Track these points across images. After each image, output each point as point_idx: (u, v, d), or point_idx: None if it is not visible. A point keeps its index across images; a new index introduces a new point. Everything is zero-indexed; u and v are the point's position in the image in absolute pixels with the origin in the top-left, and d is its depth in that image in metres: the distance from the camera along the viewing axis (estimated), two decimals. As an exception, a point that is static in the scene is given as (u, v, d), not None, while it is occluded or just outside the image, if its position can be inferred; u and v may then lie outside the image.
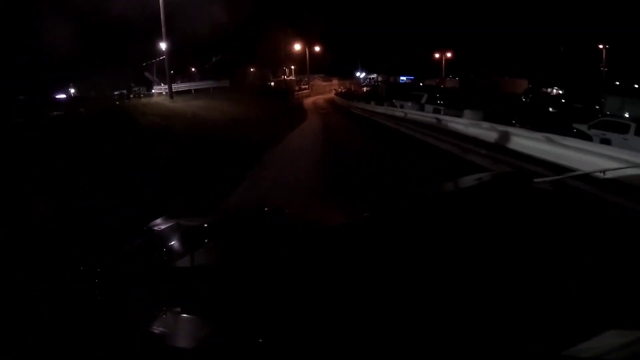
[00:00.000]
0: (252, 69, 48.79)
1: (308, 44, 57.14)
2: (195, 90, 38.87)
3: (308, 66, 58.32)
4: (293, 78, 57.10)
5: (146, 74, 41.31)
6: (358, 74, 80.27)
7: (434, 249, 1.00)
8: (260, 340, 0.72)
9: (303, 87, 58.70)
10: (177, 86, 39.88)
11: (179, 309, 0.83)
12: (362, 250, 1.02)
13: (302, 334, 0.72)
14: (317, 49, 58.14)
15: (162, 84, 40.39)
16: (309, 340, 0.71)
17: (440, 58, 66.87)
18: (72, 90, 34.18)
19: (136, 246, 1.24)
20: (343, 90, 57.60)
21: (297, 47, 56.42)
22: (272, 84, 53.12)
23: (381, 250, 1.01)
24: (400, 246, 1.03)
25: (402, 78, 70.38)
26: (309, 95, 55.81)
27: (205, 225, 1.47)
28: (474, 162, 8.17)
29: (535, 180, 1.47)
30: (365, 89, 63.53)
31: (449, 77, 55.51)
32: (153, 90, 40.03)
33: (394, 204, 1.56)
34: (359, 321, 0.74)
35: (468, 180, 1.58)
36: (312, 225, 1.42)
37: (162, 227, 1.36)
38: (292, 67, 68.43)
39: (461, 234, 1.08)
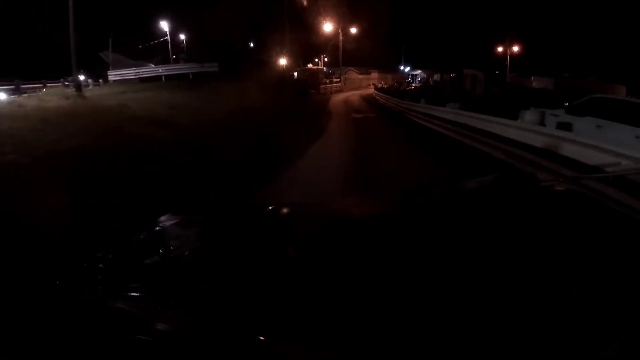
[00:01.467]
0: (277, 56, 35.99)
1: (342, 30, 43.37)
2: (169, 76, 26.31)
3: (341, 55, 44.53)
4: (321, 67, 43.38)
5: (102, 54, 28.67)
6: (402, 67, 65.91)
7: (436, 249, 1.01)
8: (261, 339, 0.73)
9: (335, 80, 45.15)
10: (139, 71, 27.32)
11: (179, 308, 0.82)
12: (366, 250, 1.02)
13: (301, 334, 0.73)
14: (353, 30, 44.19)
15: (156, 65, 27.98)
16: (308, 340, 0.71)
17: (505, 52, 51.74)
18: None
19: (138, 244, 1.23)
20: (385, 86, 43.37)
21: (328, 28, 42.71)
22: (295, 74, 40.06)
23: (385, 250, 1.02)
24: (404, 245, 1.05)
25: (451, 75, 55.22)
26: (340, 90, 42.26)
27: (207, 223, 1.45)
28: None
29: (543, 182, 1.47)
30: (413, 84, 49.17)
31: (533, 77, 39.85)
32: (107, 78, 27.42)
33: (398, 205, 1.56)
34: (356, 322, 0.75)
35: (473, 182, 1.58)
36: (313, 224, 1.39)
37: (165, 224, 1.35)
38: (324, 57, 55.57)
39: (462, 233, 1.09)
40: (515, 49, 51.07)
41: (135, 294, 0.88)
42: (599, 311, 0.76)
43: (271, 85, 24.60)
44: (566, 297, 0.81)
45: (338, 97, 33.69)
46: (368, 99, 30.73)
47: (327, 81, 43.25)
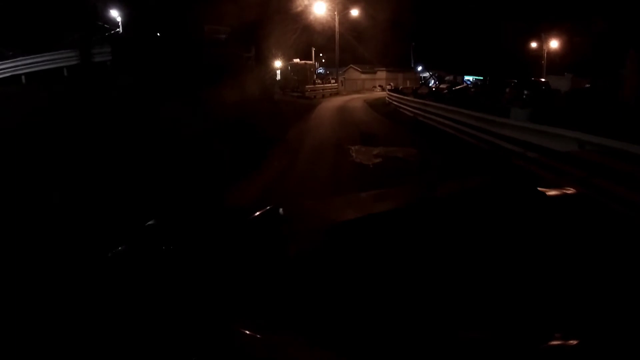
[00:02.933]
0: (261, 50, 25.62)
1: (339, 14, 32.22)
2: (33, 74, 15.13)
3: (337, 44, 33.12)
4: (310, 62, 31.98)
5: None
6: (415, 66, 54.44)
7: (435, 248, 1.02)
8: (261, 337, 0.75)
9: (332, 80, 33.83)
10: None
11: (181, 308, 0.83)
12: (363, 248, 1.03)
13: (306, 334, 0.74)
14: (354, 12, 32.84)
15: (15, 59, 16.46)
16: (313, 340, 0.72)
17: (539, 49, 40.60)
18: None
19: (136, 245, 1.23)
20: (400, 87, 31.66)
21: (322, 9, 31.44)
22: (278, 71, 29.94)
23: (384, 250, 1.02)
24: (403, 244, 1.05)
25: (467, 78, 44.36)
26: (337, 93, 30.84)
27: (205, 223, 1.43)
28: None
29: (548, 182, 1.67)
30: (431, 86, 37.84)
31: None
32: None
33: (397, 204, 1.54)
34: (359, 323, 0.76)
35: (473, 182, 1.60)
36: (310, 225, 1.37)
37: (160, 226, 1.36)
38: (321, 55, 44.51)
39: (462, 234, 1.09)
40: (554, 44, 39.66)
41: (135, 294, 0.87)
42: (598, 310, 0.77)
43: (217, 86, 13.38)
44: (566, 297, 0.82)
45: (331, 103, 22.24)
46: (380, 107, 19.07)
47: (318, 81, 31.95)
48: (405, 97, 17.34)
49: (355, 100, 25.40)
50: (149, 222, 1.33)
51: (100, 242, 1.32)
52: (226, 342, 0.71)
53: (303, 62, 30.75)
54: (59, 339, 0.70)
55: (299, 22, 31.10)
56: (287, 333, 0.72)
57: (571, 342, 0.71)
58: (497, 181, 1.52)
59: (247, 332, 0.73)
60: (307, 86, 25.99)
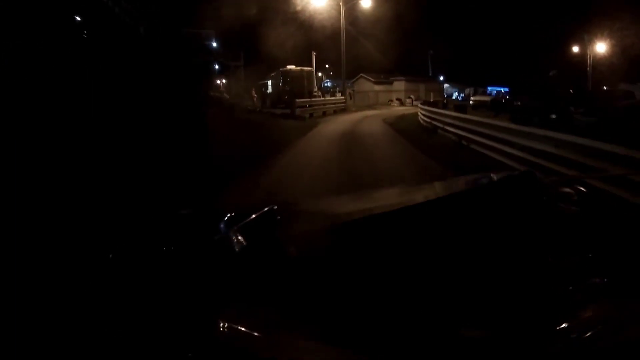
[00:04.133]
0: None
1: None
2: None
3: (343, 46, 25.23)
4: (308, 69, 24.13)
5: None
6: (432, 75, 46.51)
7: (438, 247, 1.03)
8: (262, 335, 0.75)
9: (339, 95, 25.95)
10: None
11: (181, 307, 0.83)
12: (366, 249, 1.04)
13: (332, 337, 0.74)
14: (365, 3, 25.17)
15: None
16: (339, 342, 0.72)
17: (582, 53, 32.69)
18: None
19: (137, 245, 1.22)
20: (431, 100, 23.48)
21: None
22: (270, 82, 24.52)
23: (387, 248, 1.03)
24: (405, 243, 1.06)
25: (490, 89, 37.53)
26: (344, 109, 22.79)
27: (204, 224, 1.42)
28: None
29: (544, 181, 1.47)
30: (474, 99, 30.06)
31: None
32: None
33: (400, 201, 1.55)
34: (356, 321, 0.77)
35: (477, 179, 1.55)
36: (310, 225, 1.36)
37: (161, 227, 1.36)
38: (328, 66, 37.06)
39: (464, 231, 1.10)
40: (601, 48, 31.44)
41: (137, 293, 0.87)
42: (598, 308, 0.78)
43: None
44: (565, 294, 0.83)
45: (332, 126, 14.20)
46: (417, 136, 10.69)
47: (317, 92, 23.96)
48: (473, 119, 9.05)
49: (369, 119, 17.32)
50: (148, 223, 1.35)
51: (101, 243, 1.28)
52: (225, 338, 0.72)
53: (299, 68, 23.02)
54: (59, 335, 0.70)
55: (299, 23, 23.71)
56: (287, 329, 0.73)
57: (574, 340, 0.71)
58: (500, 179, 1.50)
59: (245, 328, 0.73)
60: (298, 100, 17.82)
